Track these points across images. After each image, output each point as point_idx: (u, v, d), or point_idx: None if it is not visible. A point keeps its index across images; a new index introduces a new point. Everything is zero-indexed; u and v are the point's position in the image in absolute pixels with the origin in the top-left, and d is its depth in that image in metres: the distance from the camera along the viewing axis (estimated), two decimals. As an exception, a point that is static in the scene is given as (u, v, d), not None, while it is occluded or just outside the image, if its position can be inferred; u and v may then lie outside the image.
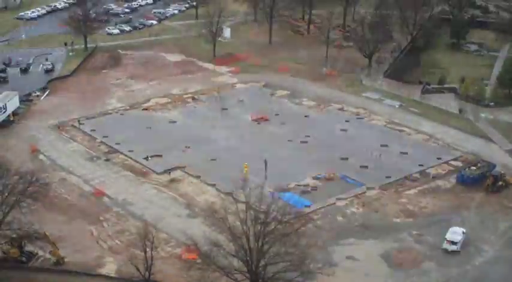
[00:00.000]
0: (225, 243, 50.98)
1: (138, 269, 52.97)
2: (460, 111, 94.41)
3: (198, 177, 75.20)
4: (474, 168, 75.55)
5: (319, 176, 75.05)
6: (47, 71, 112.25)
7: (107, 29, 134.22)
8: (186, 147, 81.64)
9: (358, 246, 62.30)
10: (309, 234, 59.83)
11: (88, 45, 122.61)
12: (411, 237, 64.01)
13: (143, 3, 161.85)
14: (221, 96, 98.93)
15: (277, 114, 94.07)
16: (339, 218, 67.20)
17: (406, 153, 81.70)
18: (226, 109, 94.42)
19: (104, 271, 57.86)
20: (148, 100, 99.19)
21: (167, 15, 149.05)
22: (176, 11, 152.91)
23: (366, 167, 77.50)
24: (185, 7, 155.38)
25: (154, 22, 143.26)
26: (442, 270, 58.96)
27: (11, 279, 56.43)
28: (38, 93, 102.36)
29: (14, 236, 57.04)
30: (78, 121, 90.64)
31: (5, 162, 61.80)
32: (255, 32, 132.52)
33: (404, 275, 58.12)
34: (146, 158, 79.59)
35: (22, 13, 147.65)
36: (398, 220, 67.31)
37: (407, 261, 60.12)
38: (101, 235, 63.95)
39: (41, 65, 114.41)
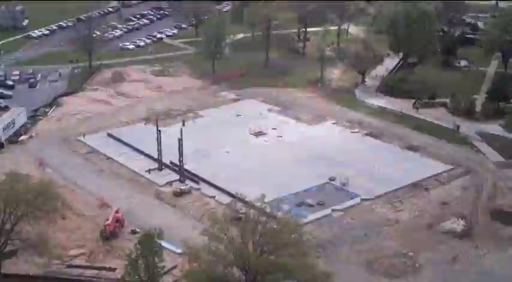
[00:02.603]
0: (225, 253, 52.37)
1: (140, 276, 54.65)
2: (458, 127, 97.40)
3: (198, 189, 78.64)
4: None
5: (312, 189, 78.26)
6: (52, 82, 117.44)
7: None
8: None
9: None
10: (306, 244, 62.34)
11: (92, 63, 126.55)
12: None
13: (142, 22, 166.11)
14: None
15: (274, 129, 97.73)
16: (335, 229, 69.95)
17: (400, 165, 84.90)
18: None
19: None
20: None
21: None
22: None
23: (360, 178, 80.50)
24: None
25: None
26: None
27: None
28: (44, 109, 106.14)
29: None
30: (83, 135, 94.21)
31: (17, 173, 64.70)
32: (253, 49, 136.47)
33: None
34: (148, 171, 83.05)
35: (30, 32, 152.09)
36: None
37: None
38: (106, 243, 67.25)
39: (48, 82, 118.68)
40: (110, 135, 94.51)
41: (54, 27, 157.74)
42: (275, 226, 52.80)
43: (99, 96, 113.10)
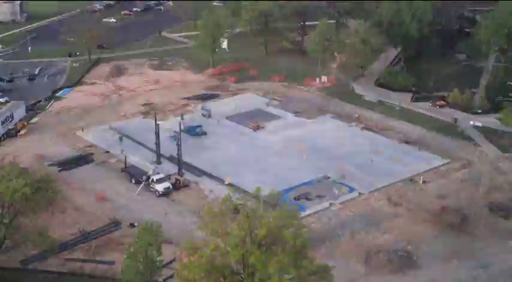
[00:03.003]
0: (223, 247, 51.64)
1: (139, 269, 54.92)
2: (456, 121, 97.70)
3: (196, 183, 78.78)
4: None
5: (312, 182, 78.53)
6: (50, 76, 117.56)
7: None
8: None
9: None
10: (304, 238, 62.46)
11: (91, 56, 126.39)
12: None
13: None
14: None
15: (272, 122, 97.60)
16: (333, 222, 70.13)
17: (397, 159, 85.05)
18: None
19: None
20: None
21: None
22: None
23: (358, 172, 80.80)
24: None
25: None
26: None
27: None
28: (43, 102, 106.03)
29: None
30: (82, 129, 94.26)
31: (17, 165, 64.72)
32: (251, 43, 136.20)
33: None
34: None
35: (29, 26, 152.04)
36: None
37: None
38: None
39: (46, 75, 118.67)
40: (108, 128, 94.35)
41: (54, 20, 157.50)
42: (273, 219, 52.88)
43: (97, 90, 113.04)
